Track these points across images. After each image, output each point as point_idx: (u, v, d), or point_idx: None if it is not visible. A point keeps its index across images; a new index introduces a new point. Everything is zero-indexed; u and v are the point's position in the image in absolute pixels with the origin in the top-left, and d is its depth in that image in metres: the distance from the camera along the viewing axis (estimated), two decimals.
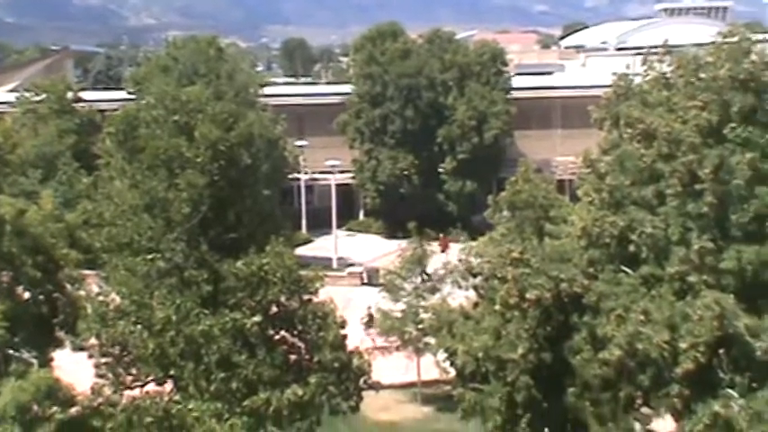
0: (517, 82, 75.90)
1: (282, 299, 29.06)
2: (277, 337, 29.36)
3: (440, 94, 71.52)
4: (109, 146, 35.67)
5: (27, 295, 29.11)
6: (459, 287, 34.68)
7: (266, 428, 28.41)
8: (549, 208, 33.05)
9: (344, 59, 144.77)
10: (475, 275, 32.03)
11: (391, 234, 66.05)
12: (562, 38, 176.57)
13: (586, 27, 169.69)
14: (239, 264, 28.25)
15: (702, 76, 28.10)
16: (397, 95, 70.75)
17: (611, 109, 30.54)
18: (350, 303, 44.14)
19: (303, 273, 29.50)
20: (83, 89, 79.81)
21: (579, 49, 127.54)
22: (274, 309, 29.13)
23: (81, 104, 72.41)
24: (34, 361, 26.57)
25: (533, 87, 78.97)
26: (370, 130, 72.24)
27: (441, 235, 60.83)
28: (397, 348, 38.80)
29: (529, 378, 28.30)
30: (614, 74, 31.30)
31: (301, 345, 29.56)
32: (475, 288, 31.97)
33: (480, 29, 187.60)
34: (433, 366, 35.31)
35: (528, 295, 28.16)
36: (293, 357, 29.40)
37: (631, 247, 27.54)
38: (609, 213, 28.11)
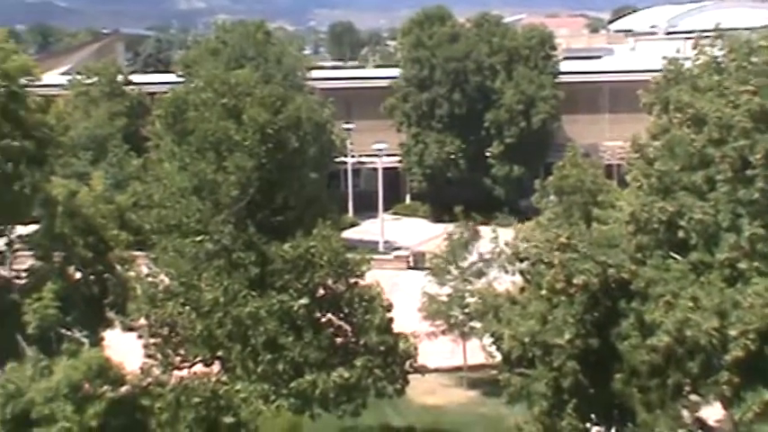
0: (565, 66, 75.31)
1: (329, 282, 29.24)
2: (323, 319, 29.54)
3: (487, 78, 71.19)
4: (158, 128, 36.11)
5: (78, 275, 29.50)
6: (506, 272, 34.59)
7: (312, 410, 28.65)
8: (597, 193, 32.85)
9: (392, 43, 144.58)
10: (521, 260, 31.89)
11: (438, 218, 65.97)
12: (611, 22, 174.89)
13: (636, 11, 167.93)
14: (286, 246, 28.43)
15: (755, 60, 27.68)
16: (445, 79, 70.52)
17: (661, 93, 30.20)
18: (396, 287, 44.22)
19: (350, 256, 29.64)
20: (133, 72, 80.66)
21: (628, 33, 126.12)
22: (321, 291, 29.32)
23: (131, 87, 73.07)
24: (85, 340, 26.89)
25: (582, 72, 78.32)
26: (417, 113, 72.09)
27: (470, 223, 60.94)
28: (443, 332, 38.80)
29: (575, 363, 28.17)
30: (664, 58, 30.93)
31: (348, 327, 29.72)
32: (521, 273, 31.80)
33: (529, 12, 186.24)
34: (478, 351, 35.29)
35: (575, 280, 28.00)
36: (339, 340, 29.58)
37: (680, 233, 27.26)
38: (658, 199, 27.85)
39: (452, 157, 70.79)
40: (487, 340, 32.48)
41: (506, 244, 33.33)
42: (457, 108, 70.57)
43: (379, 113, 72.91)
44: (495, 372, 32.80)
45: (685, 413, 28.39)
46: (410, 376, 30.52)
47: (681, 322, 25.88)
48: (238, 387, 27.75)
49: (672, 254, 27.65)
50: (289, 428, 27.31)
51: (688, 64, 30.06)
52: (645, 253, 28.19)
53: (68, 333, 26.91)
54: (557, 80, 72.13)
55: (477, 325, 35.29)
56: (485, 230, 41.05)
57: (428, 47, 71.54)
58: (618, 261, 27.92)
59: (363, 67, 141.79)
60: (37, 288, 26.98)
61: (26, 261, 29.38)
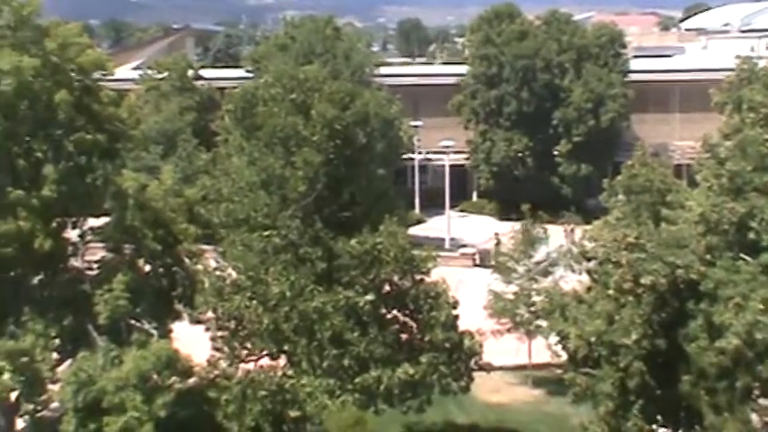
0: (635, 64, 74.50)
1: (395, 278, 29.27)
2: (389, 315, 29.59)
3: (556, 76, 70.72)
4: (227, 123, 36.43)
5: (148, 268, 29.88)
6: (573, 271, 34.37)
7: (377, 406, 28.72)
8: (666, 193, 32.50)
9: (460, 40, 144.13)
10: (589, 259, 31.67)
11: (504, 216, 65.68)
12: (683, 20, 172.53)
13: (708, 9, 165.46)
14: (353, 242, 28.53)
15: None
16: (513, 77, 70.20)
17: (734, 93, 29.89)
18: (461, 284, 44.12)
19: (416, 252, 29.65)
20: (203, 67, 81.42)
21: (700, 31, 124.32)
22: (387, 287, 29.36)
23: (201, 82, 73.87)
24: (154, 332, 27.31)
25: (652, 70, 77.41)
26: (485, 111, 71.88)
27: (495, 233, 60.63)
28: (509, 330, 38.67)
29: (642, 364, 27.89)
30: (737, 57, 30.54)
31: (413, 324, 29.73)
32: (588, 272, 31.58)
33: (599, 10, 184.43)
34: (544, 349, 35.10)
35: (643, 281, 27.73)
36: (405, 336, 29.61)
37: (751, 235, 26.87)
38: (728, 199, 27.47)
39: (520, 154, 70.47)
40: (553, 339, 32.30)
41: (573, 243, 33.10)
42: (525, 106, 70.22)
43: (446, 110, 72.82)
44: (560, 371, 32.61)
45: (754, 417, 27.99)
46: (475, 374, 30.45)
47: (750, 324, 25.52)
48: (304, 381, 27.96)
49: (742, 255, 27.26)
50: (353, 423, 27.38)
51: (762, 63, 29.61)
52: (714, 254, 27.82)
53: (138, 324, 27.32)
54: (626, 79, 71.40)
55: (543, 323, 35.09)
56: (551, 229, 40.83)
57: (497, 44, 71.26)
58: (687, 262, 27.59)
59: (431, 63, 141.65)
60: (108, 279, 27.41)
61: (97, 253, 29.85)
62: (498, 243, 43.07)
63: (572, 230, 57.19)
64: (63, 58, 27.28)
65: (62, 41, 27.36)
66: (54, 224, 27.35)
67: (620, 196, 33.60)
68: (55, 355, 26.95)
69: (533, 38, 71.24)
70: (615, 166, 54.47)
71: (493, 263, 42.05)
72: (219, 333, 29.46)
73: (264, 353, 29.23)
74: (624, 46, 73.73)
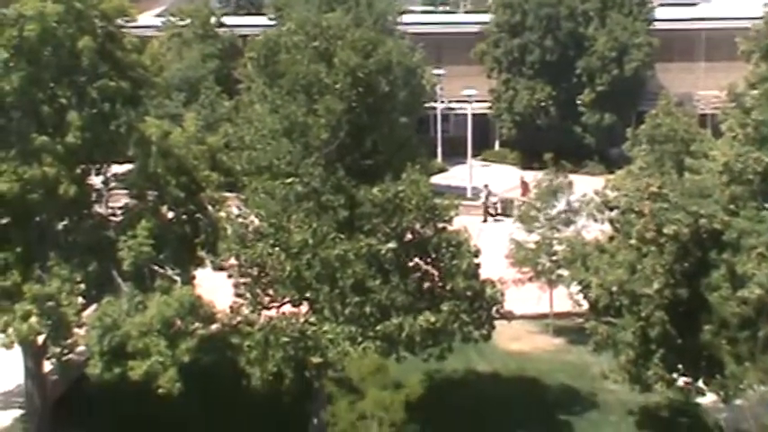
0: (660, 13, 73.50)
1: (417, 226, 29.32)
2: (411, 263, 29.68)
3: (580, 25, 69.92)
4: (250, 71, 36.34)
5: (171, 215, 30.02)
6: (595, 220, 34.30)
7: (398, 353, 28.92)
8: (690, 142, 32.30)
9: None
10: (611, 209, 31.63)
11: (527, 165, 65.43)
12: None
13: None
14: (375, 190, 28.55)
15: None
16: (537, 25, 69.49)
17: (761, 41, 29.48)
18: (483, 233, 44.19)
19: (438, 201, 29.66)
20: (225, 14, 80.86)
21: None
22: (409, 236, 29.42)
23: (223, 29, 73.43)
24: (177, 278, 27.51)
25: (677, 19, 76.37)
26: (507, 60, 71.27)
27: (521, 177, 60.75)
28: (530, 279, 38.73)
29: (663, 313, 27.95)
30: (765, 5, 30.11)
31: (435, 272, 29.82)
32: (611, 221, 31.57)
33: None
34: (565, 298, 35.19)
35: (665, 230, 27.70)
36: (426, 284, 29.72)
37: None
38: (753, 149, 27.34)
39: (543, 104, 69.93)
40: (575, 288, 32.41)
41: (596, 192, 33.04)
42: (548, 54, 69.56)
43: (469, 59, 72.26)
44: (581, 320, 32.80)
45: None
46: (496, 322, 30.57)
47: None
48: (326, 328, 28.15)
49: (766, 205, 27.13)
50: (375, 370, 27.62)
51: None
52: (738, 204, 27.74)
53: (161, 270, 27.53)
54: (651, 27, 70.49)
55: (565, 273, 35.14)
56: (574, 178, 40.69)
57: None
58: (710, 211, 27.52)
59: (454, 12, 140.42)
60: (132, 226, 27.58)
61: (121, 199, 30.00)
62: (525, 189, 42.97)
63: (525, 186, 57.59)
64: (86, 5, 27.21)
65: None
66: (78, 170, 27.49)
67: (644, 146, 33.39)
68: (80, 300, 27.19)
69: None
70: (639, 116, 54.10)
71: (515, 212, 42.01)
72: (242, 280, 29.64)
73: (286, 300, 29.42)
74: None
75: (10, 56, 25.53)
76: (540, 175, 40.84)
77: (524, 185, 59.64)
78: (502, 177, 65.21)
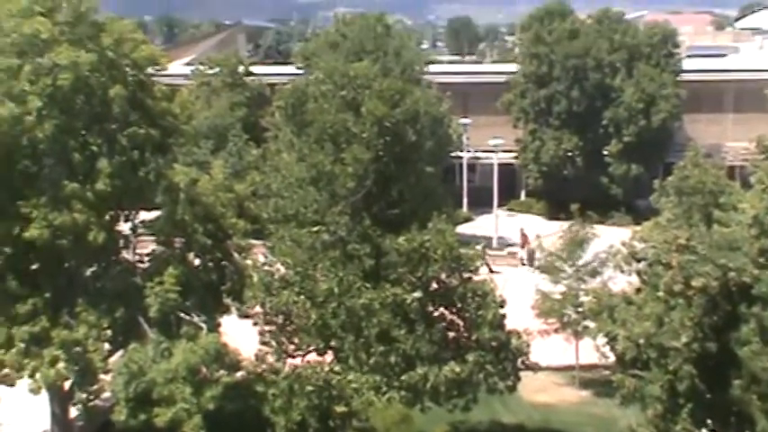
0: (688, 64, 73.72)
1: (443, 276, 29.28)
2: (436, 313, 29.61)
3: (607, 76, 70.20)
4: (278, 119, 36.68)
5: (197, 262, 30.13)
6: (622, 272, 34.08)
7: (423, 403, 28.75)
8: (719, 194, 32.17)
9: (510, 38, 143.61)
10: (638, 260, 31.43)
11: (553, 216, 65.40)
12: (738, 19, 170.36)
13: (764, 8, 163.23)
14: (401, 239, 28.57)
15: None
16: (564, 76, 69.81)
17: None
18: (508, 283, 43.98)
19: (463, 251, 29.63)
20: (253, 63, 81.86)
21: (756, 30, 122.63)
22: (434, 285, 29.38)
23: (252, 78, 74.25)
24: (203, 325, 27.56)
25: (705, 70, 76.54)
26: (534, 110, 71.57)
27: (521, 229, 60.71)
28: (556, 330, 38.49)
29: (692, 367, 27.63)
30: None
31: (460, 322, 29.73)
32: (638, 273, 31.34)
33: (651, 9, 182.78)
34: (591, 350, 34.91)
35: (694, 283, 27.47)
36: (452, 334, 29.62)
37: None
38: None
39: (569, 154, 70.09)
40: (601, 340, 32.10)
41: (623, 244, 32.87)
42: (575, 105, 69.81)
43: (495, 109, 72.62)
44: (608, 372, 32.41)
45: None
46: (522, 373, 30.37)
47: None
48: (351, 377, 28.06)
49: None
50: (399, 420, 27.47)
51: None
52: None
53: (188, 317, 27.57)
54: (679, 78, 70.68)
55: (591, 324, 34.89)
56: (601, 229, 40.55)
57: (547, 43, 70.89)
58: (739, 264, 27.27)
59: (481, 62, 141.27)
60: (159, 272, 27.70)
61: (149, 246, 30.16)
62: (540, 245, 42.81)
63: (525, 238, 57.63)
64: (118, 54, 27.59)
65: (118, 37, 27.67)
66: (107, 217, 27.67)
67: (672, 197, 33.31)
68: (107, 346, 27.28)
69: (584, 36, 70.76)
70: (666, 167, 54.01)
71: (540, 263, 41.85)
72: (267, 328, 29.67)
73: (312, 348, 29.37)
74: (677, 45, 73.00)
75: (43, 104, 25.84)
76: (566, 225, 40.74)
77: (524, 237, 59.83)
78: (528, 227, 64.99)
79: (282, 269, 29.61)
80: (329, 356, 29.45)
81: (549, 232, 58.20)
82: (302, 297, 28.54)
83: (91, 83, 26.54)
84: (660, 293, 28.40)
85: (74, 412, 30.57)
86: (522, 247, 59.59)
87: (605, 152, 70.06)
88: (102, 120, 27.29)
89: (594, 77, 69.74)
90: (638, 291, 30.88)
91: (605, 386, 34.83)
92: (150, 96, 28.74)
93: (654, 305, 28.74)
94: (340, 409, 28.28)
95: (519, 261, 58.67)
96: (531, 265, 55.13)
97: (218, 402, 26.38)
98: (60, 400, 29.56)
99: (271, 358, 29.36)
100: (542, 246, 39.37)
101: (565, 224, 41.30)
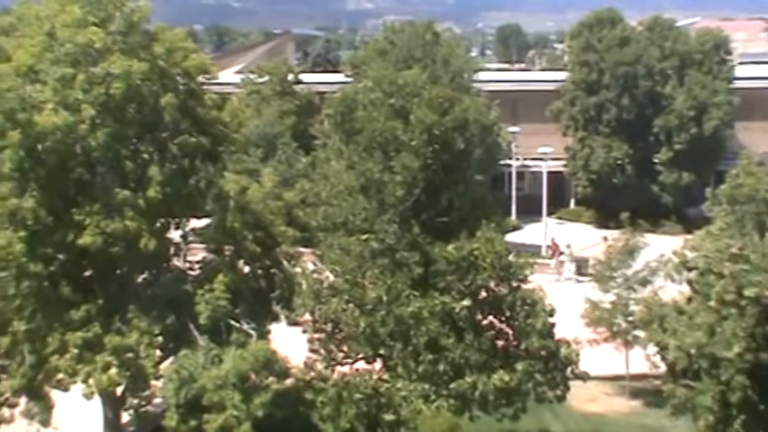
0: (741, 71, 72.99)
1: (492, 284, 29.22)
2: (485, 322, 29.54)
3: (658, 83, 69.72)
4: (327, 127, 36.79)
5: (247, 269, 30.29)
6: (673, 281, 33.78)
7: (472, 412, 28.69)
8: None
9: (559, 46, 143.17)
10: (690, 269, 31.14)
11: (602, 224, 65.02)
12: None
13: None
14: (450, 247, 28.55)
15: None
16: (614, 83, 69.42)
17: None
18: (557, 292, 43.73)
19: (512, 259, 29.54)
20: (303, 71, 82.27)
21: None
22: (483, 294, 29.31)
23: (301, 86, 74.69)
24: (253, 333, 27.67)
25: (759, 77, 75.73)
26: (584, 117, 71.24)
27: (551, 239, 60.28)
28: (606, 340, 38.21)
29: (745, 378, 27.32)
30: None
31: (509, 331, 29.63)
32: (689, 282, 31.07)
33: (703, 16, 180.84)
34: (642, 360, 34.61)
35: (746, 292, 27.18)
36: (501, 343, 29.53)
37: None
38: None
39: (619, 162, 69.65)
40: (652, 350, 31.86)
41: (674, 252, 32.58)
42: (625, 113, 69.38)
43: (544, 117, 72.39)
44: (658, 382, 32.15)
45: None
46: (571, 383, 30.19)
47: None
48: (399, 385, 28.07)
49: None
50: (448, 429, 27.41)
51: None
52: None
53: (237, 324, 27.71)
54: (731, 86, 70.01)
55: (641, 334, 34.60)
56: (651, 238, 40.20)
57: (597, 50, 70.56)
58: None
59: (530, 69, 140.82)
60: (209, 280, 27.89)
61: (199, 253, 30.39)
62: (556, 250, 42.64)
63: (555, 248, 57.32)
64: (169, 63, 27.86)
65: (169, 46, 27.95)
66: (158, 224, 27.91)
67: (724, 206, 32.92)
68: (158, 353, 27.51)
69: (635, 44, 70.33)
70: (718, 175, 53.54)
71: (591, 271, 41.61)
72: (316, 335, 29.78)
73: (360, 356, 29.43)
74: (729, 52, 72.34)
75: (97, 113, 26.17)
76: (615, 234, 40.46)
77: (555, 246, 59.53)
78: (577, 236, 64.68)
79: (331, 277, 29.71)
80: (378, 364, 29.49)
81: (598, 241, 58.00)
82: (351, 305, 28.62)
83: (143, 92, 26.82)
84: (712, 303, 28.13)
85: (126, 417, 30.88)
86: (552, 257, 59.37)
87: (656, 160, 69.55)
88: (153, 128, 27.56)
89: (645, 85, 69.28)
90: (690, 300, 30.60)
91: (656, 396, 34.54)
92: (201, 105, 28.98)
93: (705, 315, 28.47)
94: (388, 417, 28.29)
95: (554, 271, 58.32)
96: (579, 275, 55.05)
97: (268, 409, 26.47)
98: (113, 405, 29.87)
99: (320, 366, 29.47)
100: (573, 255, 39.43)
101: (614, 233, 41.00)
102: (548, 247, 61.03)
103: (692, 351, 28.20)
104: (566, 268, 57.70)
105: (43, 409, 27.38)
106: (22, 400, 27.70)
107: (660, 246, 38.30)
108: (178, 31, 29.21)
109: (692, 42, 71.06)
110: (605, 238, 59.09)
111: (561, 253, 59.18)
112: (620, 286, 38.40)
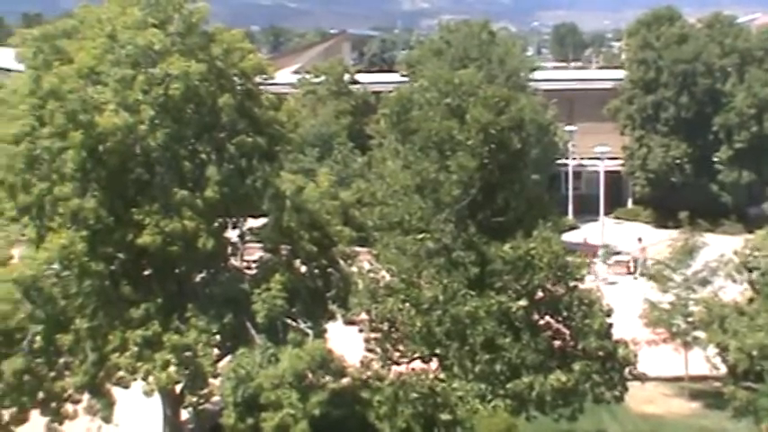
0: None
1: (548, 284, 29.07)
2: (542, 322, 29.42)
3: (717, 81, 68.83)
4: (382, 127, 36.80)
5: (303, 269, 30.42)
6: (733, 281, 33.38)
7: (528, 412, 28.58)
8: None
9: (616, 44, 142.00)
10: (750, 270, 30.77)
11: (661, 224, 64.40)
12: None
13: None
14: (506, 247, 28.46)
15: None
16: (672, 81, 68.67)
17: None
18: (615, 292, 43.42)
19: (569, 259, 29.36)
20: (358, 71, 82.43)
21: None
22: (540, 293, 29.18)
23: (356, 86, 74.84)
24: (309, 332, 27.79)
25: None
26: (641, 116, 70.56)
27: (584, 238, 59.51)
28: (664, 341, 37.81)
29: None
30: None
31: (566, 331, 29.48)
32: (750, 283, 30.73)
33: (764, 11, 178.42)
34: (701, 361, 34.23)
35: None
36: (557, 343, 29.39)
37: None
38: None
39: (678, 161, 68.89)
40: (712, 351, 31.52)
41: (734, 252, 32.20)
42: (684, 111, 68.60)
43: (601, 116, 71.82)
44: (719, 384, 31.82)
45: None
46: (629, 383, 29.94)
47: None
48: (455, 385, 28.05)
49: None
50: (504, 429, 27.33)
51: None
52: None
53: (294, 323, 27.85)
54: None
55: (701, 335, 34.23)
56: (710, 238, 39.72)
57: (655, 48, 69.84)
58: None
59: (586, 68, 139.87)
60: (266, 279, 28.05)
61: (255, 253, 30.58)
62: (644, 249, 41.96)
63: (589, 248, 56.45)
64: (227, 63, 28.07)
65: (226, 47, 28.15)
66: (216, 224, 28.14)
67: None
68: (216, 351, 27.75)
69: (694, 41, 69.50)
70: None
71: (646, 271, 41.23)
72: (372, 334, 29.87)
73: (416, 356, 29.46)
74: None
75: (156, 113, 26.45)
76: (674, 234, 40.03)
77: (588, 247, 58.78)
78: (634, 236, 64.07)
79: (387, 276, 29.76)
80: (434, 364, 29.48)
81: (656, 240, 57.47)
82: (407, 304, 28.65)
83: (201, 92, 27.05)
84: None
85: (185, 415, 31.22)
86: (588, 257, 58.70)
87: (715, 159, 68.69)
88: (211, 128, 27.79)
89: (704, 83, 68.45)
90: (751, 301, 30.28)
91: (716, 398, 34.18)
92: (257, 105, 29.16)
93: (767, 316, 28.11)
94: (445, 416, 28.28)
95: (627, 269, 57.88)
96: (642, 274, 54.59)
97: (324, 408, 26.58)
98: (172, 402, 30.20)
99: (376, 365, 29.54)
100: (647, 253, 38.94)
101: (673, 232, 40.55)
102: (581, 245, 60.46)
103: (754, 352, 27.90)
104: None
105: (105, 405, 27.71)
106: (85, 397, 28.07)
107: (720, 245, 37.85)
108: (235, 32, 29.39)
109: (752, 39, 70.09)
110: (639, 239, 58.80)
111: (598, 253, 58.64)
112: (679, 286, 37.97)
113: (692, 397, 38.60)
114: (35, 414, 27.95)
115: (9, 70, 39.27)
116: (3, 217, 28.02)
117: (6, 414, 27.55)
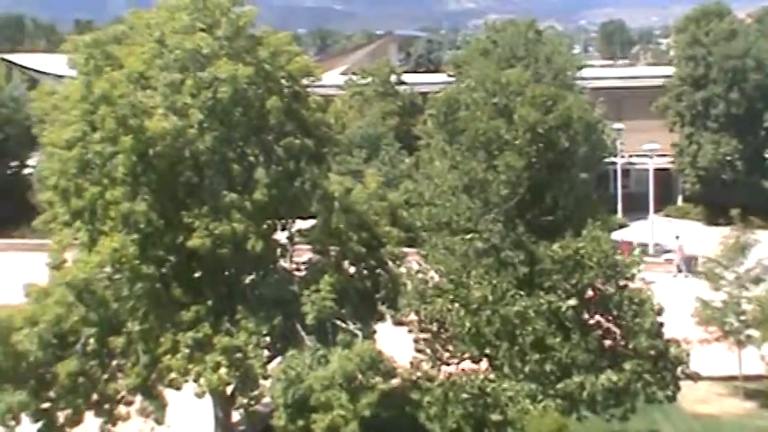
0: None
1: (598, 283, 28.90)
2: (592, 321, 29.25)
3: None
4: (430, 127, 36.86)
5: (352, 270, 30.49)
6: None
7: (579, 412, 28.42)
8: None
9: (664, 41, 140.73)
10: None
11: (712, 221, 63.73)
12: None
13: None
14: (555, 246, 28.34)
15: None
16: (722, 78, 67.95)
17: None
18: (666, 291, 42.97)
19: (619, 257, 29.16)
20: (405, 72, 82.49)
21: None
22: (590, 293, 29.03)
23: (403, 87, 74.90)
24: (359, 333, 27.84)
25: None
26: (691, 113, 69.91)
27: (622, 239, 58.67)
28: (717, 339, 37.39)
29: None
30: None
31: (616, 330, 29.27)
32: None
33: None
34: (756, 360, 33.82)
35: None
36: (608, 343, 29.21)
37: None
38: None
39: (728, 158, 68.15)
40: (766, 350, 31.13)
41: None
42: (734, 107, 67.85)
43: (650, 113, 71.24)
44: None
45: None
46: (682, 383, 29.66)
47: None
48: (505, 385, 27.97)
49: None
50: (555, 429, 27.19)
51: None
52: None
53: (343, 325, 27.91)
54: None
55: (755, 333, 33.81)
56: (763, 235, 39.21)
57: (704, 44, 69.14)
58: None
59: (634, 65, 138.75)
60: (315, 280, 28.15)
61: (304, 254, 30.72)
62: (681, 247, 41.05)
63: (627, 246, 55.67)
64: (274, 66, 28.21)
65: (274, 50, 28.30)
66: (265, 226, 28.28)
67: None
68: (266, 353, 27.88)
69: (744, 37, 68.72)
70: None
71: (701, 269, 40.80)
72: (422, 335, 29.88)
73: (466, 356, 29.41)
74: None
75: (204, 117, 26.67)
76: (725, 231, 39.60)
77: (626, 245, 58.05)
78: (685, 234, 63.44)
79: (436, 277, 29.76)
80: (484, 364, 29.42)
81: (707, 238, 56.79)
82: (456, 305, 28.62)
83: (249, 95, 27.22)
84: None
85: (236, 416, 31.43)
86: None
87: (767, 155, 67.87)
88: (259, 131, 27.95)
89: (755, 78, 67.66)
90: None
91: None
92: (305, 107, 29.28)
93: None
94: (495, 417, 28.20)
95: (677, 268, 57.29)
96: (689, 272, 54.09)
97: (374, 409, 26.62)
98: (223, 404, 30.41)
99: (426, 366, 29.54)
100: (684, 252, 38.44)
101: (725, 230, 40.11)
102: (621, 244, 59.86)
103: None
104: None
105: (157, 407, 27.96)
106: (138, 399, 28.35)
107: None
108: (282, 35, 29.53)
109: None
110: (677, 237, 58.05)
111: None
112: (731, 284, 37.55)
113: (747, 396, 38.13)
114: (89, 416, 28.25)
115: (61, 77, 39.74)
116: (56, 221, 28.40)
117: (61, 416, 27.86)
